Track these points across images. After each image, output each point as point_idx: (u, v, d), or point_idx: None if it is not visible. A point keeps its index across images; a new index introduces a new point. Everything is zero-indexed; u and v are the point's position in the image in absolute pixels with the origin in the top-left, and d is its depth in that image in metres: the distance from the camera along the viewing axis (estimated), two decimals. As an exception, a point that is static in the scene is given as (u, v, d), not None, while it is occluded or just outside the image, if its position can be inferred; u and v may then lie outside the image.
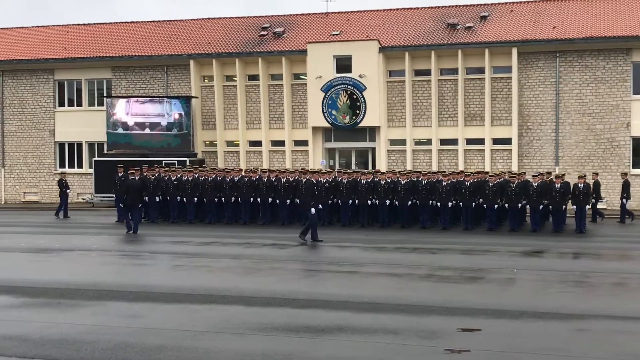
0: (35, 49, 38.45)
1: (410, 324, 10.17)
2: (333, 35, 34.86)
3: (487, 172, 25.65)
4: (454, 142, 32.49)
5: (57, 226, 25.65)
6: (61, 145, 37.76)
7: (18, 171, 38.25)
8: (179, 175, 25.75)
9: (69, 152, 37.67)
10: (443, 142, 32.77)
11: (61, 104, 37.81)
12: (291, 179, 24.60)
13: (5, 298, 12.07)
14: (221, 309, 11.20)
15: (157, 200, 25.67)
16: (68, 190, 29.21)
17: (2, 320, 10.40)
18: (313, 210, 19.68)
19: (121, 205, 24.46)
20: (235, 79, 34.88)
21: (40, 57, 37.37)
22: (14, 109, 38.06)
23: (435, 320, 10.37)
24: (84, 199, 35.48)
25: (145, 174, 26.04)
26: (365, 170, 27.09)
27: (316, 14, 38.01)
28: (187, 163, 31.09)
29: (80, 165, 37.37)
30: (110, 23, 40.64)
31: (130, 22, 40.54)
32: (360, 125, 33.13)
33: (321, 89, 33.15)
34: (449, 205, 23.37)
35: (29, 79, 37.83)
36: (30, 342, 9.20)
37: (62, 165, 37.37)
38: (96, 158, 35.21)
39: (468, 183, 23.33)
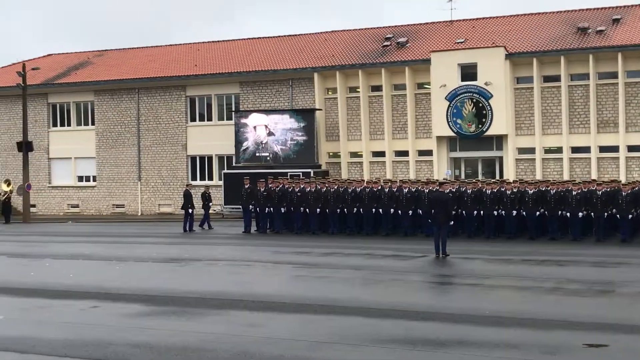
0: (167, 66, 40.15)
1: (533, 338, 9.80)
2: (457, 43, 34.40)
3: (620, 182, 24.53)
4: (587, 150, 31.26)
5: (187, 237, 26.56)
6: (193, 159, 39.18)
7: (153, 184, 39.96)
8: (301, 187, 26.08)
9: (200, 165, 39.03)
10: (574, 150, 31.61)
11: (192, 119, 39.26)
12: (413, 190, 24.41)
13: (136, 306, 12.57)
14: (339, 320, 11.22)
15: (283, 211, 26.13)
16: (210, 203, 30.17)
17: (131, 327, 10.82)
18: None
19: None
20: (358, 90, 35.03)
21: (172, 74, 38.98)
22: (149, 124, 39.84)
23: (560, 335, 9.95)
24: (215, 210, 36.55)
25: (270, 185, 26.58)
26: (492, 180, 26.45)
27: (440, 22, 37.67)
28: (312, 174, 31.46)
29: (210, 178, 38.62)
30: (237, 40, 41.86)
31: (256, 38, 41.62)
32: (487, 133, 32.46)
33: (445, 98, 32.74)
34: (580, 216, 22.46)
35: (163, 96, 39.50)
36: (156, 349, 9.53)
37: (194, 178, 38.66)
38: (225, 170, 36.30)
39: (600, 192, 22.35)
